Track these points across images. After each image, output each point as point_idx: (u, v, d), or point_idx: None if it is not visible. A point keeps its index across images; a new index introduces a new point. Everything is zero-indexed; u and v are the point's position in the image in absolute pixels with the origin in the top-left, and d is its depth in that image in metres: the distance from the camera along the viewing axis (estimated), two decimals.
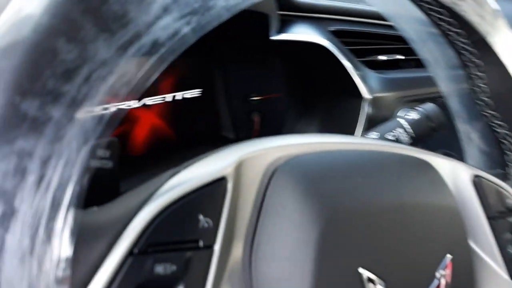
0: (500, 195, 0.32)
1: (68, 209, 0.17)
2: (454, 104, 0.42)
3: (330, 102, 0.78)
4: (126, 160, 0.69)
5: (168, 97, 0.73)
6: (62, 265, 0.16)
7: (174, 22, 0.21)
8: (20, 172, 0.16)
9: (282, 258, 0.23)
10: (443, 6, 0.36)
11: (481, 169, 0.33)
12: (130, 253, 0.19)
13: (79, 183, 0.17)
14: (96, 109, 0.18)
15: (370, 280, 0.23)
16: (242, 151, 0.25)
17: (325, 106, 0.80)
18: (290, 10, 0.74)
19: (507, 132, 0.39)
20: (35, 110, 0.16)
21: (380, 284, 0.23)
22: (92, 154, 0.24)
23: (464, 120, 0.43)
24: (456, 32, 0.39)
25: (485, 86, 0.40)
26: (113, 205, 0.21)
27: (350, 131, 0.71)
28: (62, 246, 0.17)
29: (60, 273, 0.16)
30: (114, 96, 0.19)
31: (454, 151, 0.43)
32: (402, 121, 0.50)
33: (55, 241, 0.16)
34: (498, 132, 0.40)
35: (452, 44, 0.40)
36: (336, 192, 0.24)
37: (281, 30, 0.72)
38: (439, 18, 0.38)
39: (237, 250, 0.24)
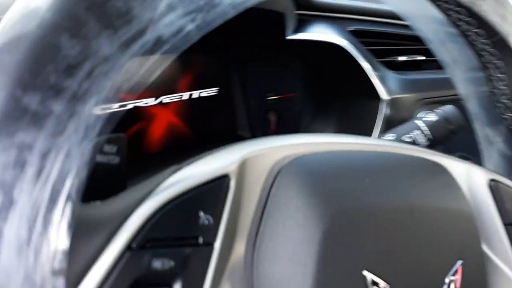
0: None
1: (66, 202, 0.17)
2: (473, 107, 0.41)
3: (347, 103, 0.77)
4: (142, 157, 0.70)
5: (185, 95, 0.74)
6: (59, 256, 0.17)
7: (179, 19, 0.21)
8: (20, 164, 0.16)
9: (284, 257, 0.23)
10: (461, 5, 0.35)
11: (500, 174, 0.32)
12: (128, 248, 0.20)
13: (78, 176, 0.18)
14: (97, 104, 0.19)
15: (374, 283, 0.23)
16: (247, 150, 0.25)
17: (342, 107, 0.79)
18: (308, 10, 0.73)
19: None
20: (36, 104, 0.16)
21: None
22: (99, 150, 0.24)
23: (483, 123, 0.41)
24: (476, 32, 0.37)
25: (506, 88, 0.39)
26: (115, 200, 0.22)
27: (367, 132, 0.70)
28: (59, 238, 0.17)
29: (56, 265, 0.17)
30: (116, 92, 0.19)
31: (475, 154, 0.42)
32: (419, 123, 0.49)
33: (53, 233, 0.17)
34: None
35: (471, 44, 0.39)
36: (342, 192, 0.24)
37: (299, 30, 0.72)
38: (458, 18, 0.37)
39: (239, 249, 0.24)
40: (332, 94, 0.81)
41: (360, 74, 0.70)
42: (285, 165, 0.25)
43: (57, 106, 0.17)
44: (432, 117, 0.50)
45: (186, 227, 0.21)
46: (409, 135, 0.49)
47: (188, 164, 0.24)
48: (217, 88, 0.78)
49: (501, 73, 0.39)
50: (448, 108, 0.51)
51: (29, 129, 0.16)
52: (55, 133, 0.17)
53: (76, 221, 0.18)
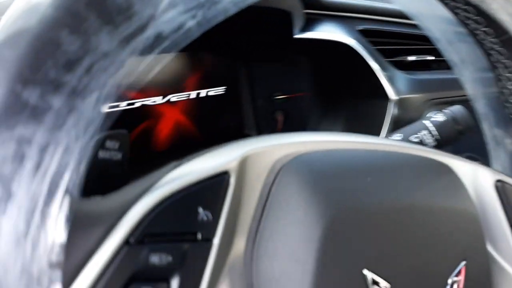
0: None
1: (64, 196, 0.17)
2: (482, 107, 0.41)
3: (355, 102, 0.77)
4: (149, 155, 0.70)
5: (193, 94, 0.74)
6: (56, 250, 0.17)
7: (179, 15, 0.21)
8: (19, 158, 0.16)
9: (284, 255, 0.23)
10: (469, 3, 0.35)
11: (508, 175, 0.31)
12: (126, 242, 0.20)
13: (76, 171, 0.18)
14: (98, 100, 0.19)
15: (375, 282, 0.22)
16: (248, 147, 0.25)
17: (350, 106, 0.78)
18: (316, 9, 0.73)
19: None
20: (36, 98, 0.17)
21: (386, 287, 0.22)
22: (102, 145, 0.24)
23: (491, 124, 0.41)
24: (484, 31, 0.37)
25: None
26: (114, 194, 0.22)
27: (375, 132, 0.70)
28: (57, 232, 0.17)
29: (53, 258, 0.17)
30: (117, 89, 0.20)
31: (483, 155, 0.41)
32: (427, 123, 0.49)
33: (50, 226, 0.17)
34: None
35: (479, 43, 0.38)
36: (343, 190, 0.24)
37: (306, 29, 0.72)
38: (466, 17, 0.37)
39: (239, 245, 0.24)
40: (340, 94, 0.80)
41: (369, 74, 0.69)
42: (287, 163, 0.25)
43: (57, 101, 0.17)
44: (440, 117, 0.49)
45: (185, 222, 0.21)
46: (416, 135, 0.48)
47: (189, 160, 0.24)
48: (224, 87, 0.78)
49: (510, 73, 0.38)
50: (456, 109, 0.50)
51: (28, 123, 0.16)
52: (54, 128, 0.17)
53: (74, 215, 0.18)
